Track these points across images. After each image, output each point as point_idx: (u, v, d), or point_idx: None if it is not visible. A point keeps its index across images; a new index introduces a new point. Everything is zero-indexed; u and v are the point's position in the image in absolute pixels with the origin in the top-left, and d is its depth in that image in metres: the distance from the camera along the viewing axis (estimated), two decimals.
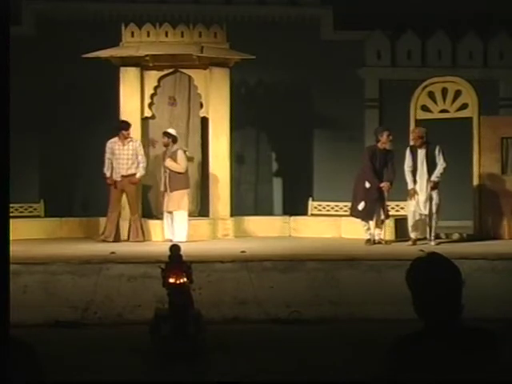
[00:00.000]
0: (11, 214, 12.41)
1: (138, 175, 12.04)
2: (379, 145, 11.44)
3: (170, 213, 11.80)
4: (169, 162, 11.75)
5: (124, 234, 12.05)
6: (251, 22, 15.00)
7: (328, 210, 13.37)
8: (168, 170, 11.77)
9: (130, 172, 12.00)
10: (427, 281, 2.69)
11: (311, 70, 14.75)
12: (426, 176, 11.11)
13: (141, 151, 12.06)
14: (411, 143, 11.39)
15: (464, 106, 12.11)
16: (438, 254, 2.78)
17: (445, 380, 2.60)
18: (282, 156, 15.21)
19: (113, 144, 12.06)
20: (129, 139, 12.05)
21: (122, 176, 12.00)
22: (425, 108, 12.23)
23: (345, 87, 14.75)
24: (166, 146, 11.88)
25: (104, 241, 11.73)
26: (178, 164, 11.77)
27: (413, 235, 11.31)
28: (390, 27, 15.03)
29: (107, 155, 12.08)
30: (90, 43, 12.61)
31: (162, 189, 11.95)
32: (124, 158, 12.01)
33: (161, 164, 12.06)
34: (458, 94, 12.14)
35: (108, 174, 12.09)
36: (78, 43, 13.20)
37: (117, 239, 11.84)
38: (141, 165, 12.00)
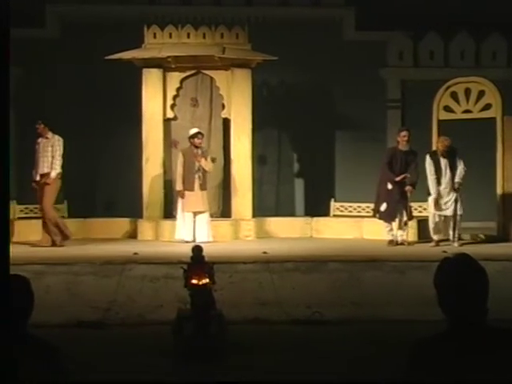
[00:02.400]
0: (35, 215, 12.44)
1: (52, 174, 11.16)
2: (400, 146, 11.43)
3: (193, 213, 11.79)
4: (204, 162, 11.78)
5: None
6: (273, 23, 14.99)
7: (350, 211, 13.33)
8: (202, 169, 11.77)
9: (46, 170, 11.21)
10: (455, 281, 2.68)
11: (333, 71, 14.72)
12: (449, 182, 11.08)
13: (58, 147, 11.22)
14: (434, 148, 11.33)
15: (487, 107, 12.02)
16: (467, 255, 2.77)
17: (468, 381, 2.58)
18: (304, 157, 15.18)
19: (38, 142, 11.34)
20: (49, 135, 11.32)
21: (40, 175, 11.26)
22: (448, 108, 12.16)
23: (367, 88, 14.70)
24: (200, 146, 11.86)
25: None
26: (209, 163, 11.87)
27: (435, 237, 11.27)
28: (412, 27, 14.96)
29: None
30: (113, 45, 12.66)
31: (180, 187, 11.86)
32: (43, 155, 11.25)
33: (185, 163, 11.86)
34: (481, 94, 12.05)
35: (35, 177, 11.35)
36: (101, 45, 13.27)
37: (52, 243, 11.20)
38: (56, 162, 11.17)
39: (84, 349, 7.30)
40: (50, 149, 11.23)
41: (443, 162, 11.12)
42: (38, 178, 11.29)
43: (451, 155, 11.10)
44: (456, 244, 11.02)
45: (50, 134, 11.33)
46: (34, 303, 3.17)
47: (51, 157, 11.21)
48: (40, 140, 11.36)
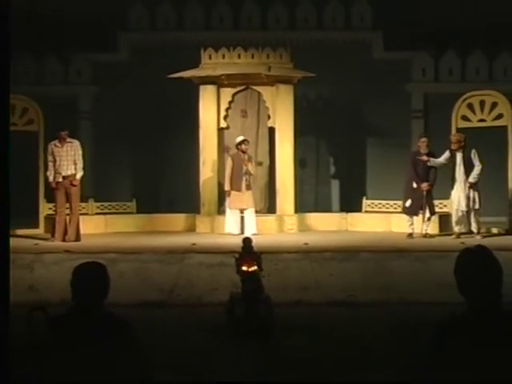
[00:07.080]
0: (109, 211, 12.64)
1: (77, 176, 10.79)
2: (421, 150, 11.38)
3: (240, 209, 11.86)
4: (250, 165, 11.86)
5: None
6: (311, 44, 14.98)
7: (380, 208, 13.25)
8: (248, 172, 11.83)
9: (69, 173, 10.73)
10: (474, 269, 2.66)
11: (364, 86, 14.64)
12: (463, 177, 10.95)
13: (79, 151, 10.80)
14: (452, 147, 11.21)
15: (500, 116, 11.89)
16: (484, 247, 2.75)
17: (485, 356, 2.57)
18: (339, 160, 15.15)
19: (52, 146, 10.80)
20: (68, 140, 10.79)
21: (63, 177, 10.74)
22: (465, 118, 12.05)
23: (393, 100, 14.61)
24: (246, 151, 11.94)
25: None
26: (254, 167, 11.96)
27: (456, 229, 11.15)
28: (433, 47, 14.85)
29: (48, 158, 10.84)
30: (174, 65, 12.77)
31: (228, 188, 11.92)
32: (63, 159, 10.75)
33: (234, 166, 11.89)
34: (494, 105, 11.92)
35: (51, 178, 10.81)
36: (164, 65, 13.38)
37: (74, 239, 10.74)
38: (78, 165, 10.77)
39: (150, 325, 7.38)
40: (72, 153, 10.75)
41: (458, 156, 11.00)
42: (60, 180, 10.77)
43: (466, 151, 10.95)
44: (478, 237, 10.84)
45: (70, 139, 10.84)
46: (110, 286, 3.24)
47: (74, 160, 10.76)
48: (60, 144, 10.75)
